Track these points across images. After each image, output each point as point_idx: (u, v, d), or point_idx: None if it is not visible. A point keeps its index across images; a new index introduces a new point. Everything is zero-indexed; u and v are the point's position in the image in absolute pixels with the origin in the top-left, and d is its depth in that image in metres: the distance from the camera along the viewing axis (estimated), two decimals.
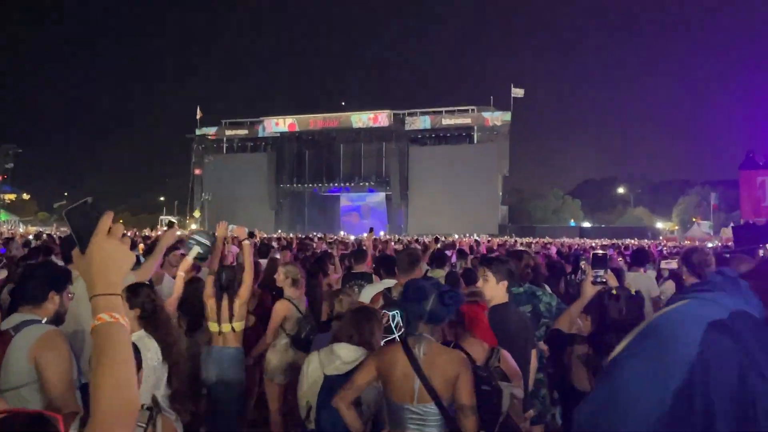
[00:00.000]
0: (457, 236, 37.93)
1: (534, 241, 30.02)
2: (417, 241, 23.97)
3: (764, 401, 1.14)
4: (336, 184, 62.30)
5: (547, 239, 38.23)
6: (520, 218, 66.49)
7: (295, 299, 5.77)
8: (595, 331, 3.24)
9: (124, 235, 1.40)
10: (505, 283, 4.00)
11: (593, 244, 29.32)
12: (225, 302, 5.12)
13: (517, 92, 55.50)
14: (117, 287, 1.35)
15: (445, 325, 3.18)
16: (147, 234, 23.95)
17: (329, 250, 10.15)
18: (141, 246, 12.13)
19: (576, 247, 23.45)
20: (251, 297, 5.41)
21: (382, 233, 49.57)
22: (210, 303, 5.12)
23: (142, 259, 5.73)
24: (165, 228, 4.82)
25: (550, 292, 5.04)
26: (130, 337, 1.34)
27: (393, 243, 17.60)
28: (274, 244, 15.86)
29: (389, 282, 5.87)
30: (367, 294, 5.33)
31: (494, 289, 3.94)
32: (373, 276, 6.99)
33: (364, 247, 8.37)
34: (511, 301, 4.04)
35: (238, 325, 5.07)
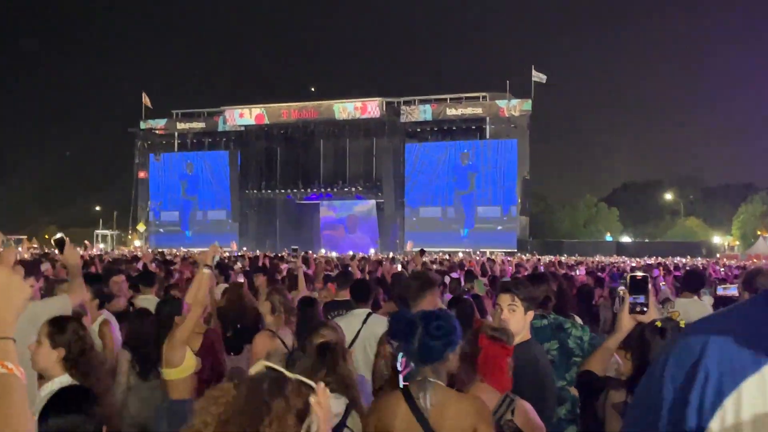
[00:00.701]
0: (462, 254, 38.05)
1: (561, 260, 30.03)
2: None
3: None
4: (315, 190, 62.35)
5: (577, 257, 38.30)
6: (543, 231, 66.61)
7: (279, 331, 5.78)
8: (635, 373, 3.23)
9: (20, 262, 1.37)
10: (531, 313, 4.00)
11: (633, 264, 29.40)
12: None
13: (539, 76, 55.72)
14: (8, 328, 1.32)
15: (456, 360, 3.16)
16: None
17: (300, 268, 10.13)
18: (49, 268, 12.05)
19: (612, 266, 23.52)
20: (193, 335, 5.38)
21: (372, 250, 49.57)
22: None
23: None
24: (54, 246, 4.78)
25: (580, 323, 5.04)
26: (26, 391, 1.31)
27: (387, 262, 17.65)
28: (238, 264, 15.87)
29: (360, 312, 5.89)
30: (344, 325, 5.34)
31: (520, 323, 3.95)
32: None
33: (350, 269, 8.41)
34: (533, 337, 4.03)
35: (179, 372, 5.06)
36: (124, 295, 7.93)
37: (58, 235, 4.79)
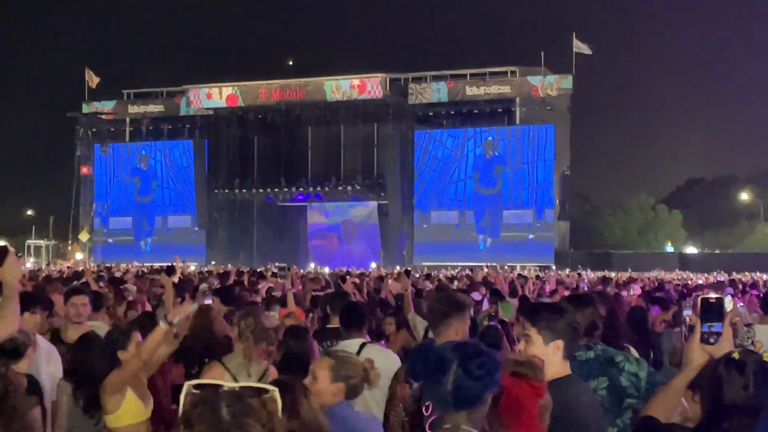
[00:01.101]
0: (487, 269, 37.93)
1: (609, 276, 29.96)
2: (429, 276, 23.99)
3: None
4: (301, 190, 62.36)
5: (630, 273, 38.20)
6: (587, 241, 66.62)
7: (230, 363, 5.78)
8: (705, 419, 3.22)
9: None
10: (560, 344, 3.97)
11: (701, 281, 29.32)
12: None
13: (582, 47, 55.78)
14: None
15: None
16: None
17: (290, 290, 10.19)
18: None
19: (674, 284, 23.45)
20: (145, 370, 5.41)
21: (373, 265, 49.53)
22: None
23: None
24: None
25: (636, 356, 5.03)
26: None
27: (391, 279, 17.60)
28: (203, 285, 15.86)
29: (350, 344, 5.89)
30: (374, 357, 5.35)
31: (542, 356, 3.93)
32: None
33: (350, 289, 8.47)
34: (575, 373, 4.02)
35: (116, 419, 5.13)
36: (84, 322, 7.86)
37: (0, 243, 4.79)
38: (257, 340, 5.99)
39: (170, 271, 9.96)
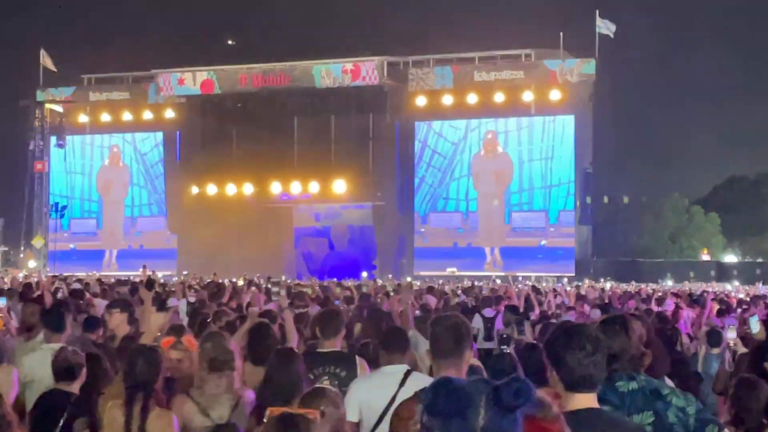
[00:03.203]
0: (499, 281, 37.88)
1: (638, 289, 30.02)
2: (431, 289, 23.89)
3: None
4: (287, 189, 62.31)
5: (660, 285, 38.28)
6: (612, 248, 66.58)
7: (201, 397, 5.77)
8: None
9: None
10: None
11: (741, 294, 29.29)
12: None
13: (607, 26, 55.80)
14: None
15: None
16: None
17: (287, 309, 10.12)
18: None
19: (711, 296, 23.39)
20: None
21: (364, 275, 49.50)
22: None
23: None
24: None
25: (688, 393, 5.02)
26: None
27: (390, 293, 17.58)
28: (176, 297, 15.85)
29: (395, 369, 5.86)
30: (363, 392, 5.31)
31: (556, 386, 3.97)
32: (357, 358, 6.96)
33: (340, 303, 8.42)
34: (616, 405, 4.00)
35: None
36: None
37: None
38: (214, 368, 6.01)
39: (150, 284, 9.97)
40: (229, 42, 72.59)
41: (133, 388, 6.12)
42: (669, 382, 5.83)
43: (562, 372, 3.97)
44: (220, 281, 27.11)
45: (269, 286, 15.45)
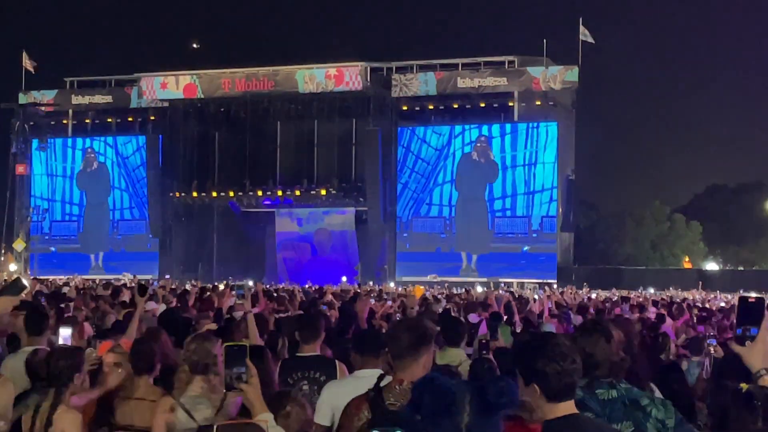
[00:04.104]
0: (481, 287, 37.95)
1: (617, 297, 30.10)
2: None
3: None
4: (269, 194, 62.25)
5: (643, 293, 38.38)
6: (593, 254, 66.77)
7: (184, 398, 5.77)
8: None
9: None
10: (535, 387, 3.99)
11: (723, 303, 29.43)
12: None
13: (589, 35, 55.96)
14: None
15: None
16: None
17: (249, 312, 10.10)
18: None
19: (689, 304, 23.49)
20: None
21: (344, 279, 49.50)
22: None
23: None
24: None
25: (662, 398, 5.03)
26: None
27: (371, 299, 17.59)
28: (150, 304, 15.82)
29: (368, 374, 5.83)
30: (334, 397, 5.30)
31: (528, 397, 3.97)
32: (337, 363, 6.94)
33: (325, 308, 8.41)
34: (597, 413, 4.01)
35: None
36: None
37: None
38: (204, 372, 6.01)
39: (142, 290, 9.90)
40: (194, 45, 72.42)
41: (48, 385, 6.35)
42: (656, 391, 5.82)
43: (544, 383, 3.96)
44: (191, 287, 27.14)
45: (236, 290, 14.85)
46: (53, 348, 7.01)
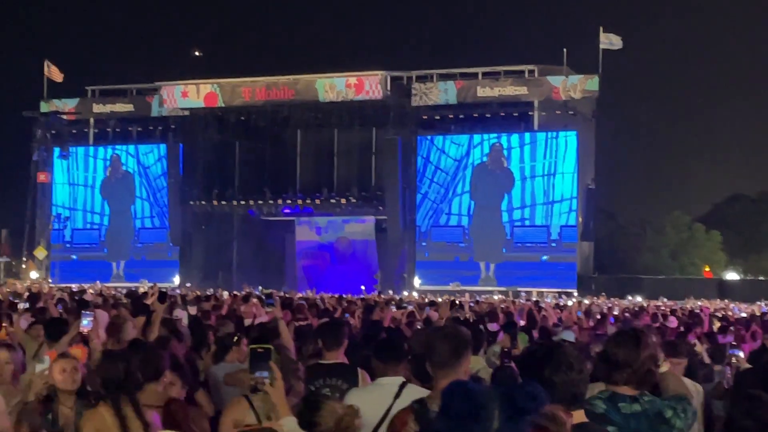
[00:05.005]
0: (499, 295, 37.96)
1: (637, 306, 29.98)
2: (432, 304, 23.95)
3: None
4: (289, 202, 62.33)
5: (663, 301, 38.20)
6: (614, 264, 66.52)
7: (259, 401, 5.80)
8: None
9: None
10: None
11: (743, 313, 29.20)
12: None
13: (611, 41, 55.83)
14: None
15: None
16: None
17: (281, 319, 10.12)
18: None
19: (712, 313, 23.36)
20: None
21: (362, 288, 49.43)
22: None
23: None
24: None
25: (687, 407, 4.96)
26: None
27: (393, 307, 17.58)
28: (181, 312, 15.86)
29: (390, 381, 5.82)
30: (359, 405, 5.28)
31: None
32: (359, 371, 6.93)
33: (347, 316, 8.42)
34: (621, 428, 4.01)
35: None
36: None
37: None
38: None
39: (162, 297, 9.97)
40: (196, 53, 72.68)
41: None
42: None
43: (551, 393, 3.96)
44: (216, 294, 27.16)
45: (264, 297, 14.98)
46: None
